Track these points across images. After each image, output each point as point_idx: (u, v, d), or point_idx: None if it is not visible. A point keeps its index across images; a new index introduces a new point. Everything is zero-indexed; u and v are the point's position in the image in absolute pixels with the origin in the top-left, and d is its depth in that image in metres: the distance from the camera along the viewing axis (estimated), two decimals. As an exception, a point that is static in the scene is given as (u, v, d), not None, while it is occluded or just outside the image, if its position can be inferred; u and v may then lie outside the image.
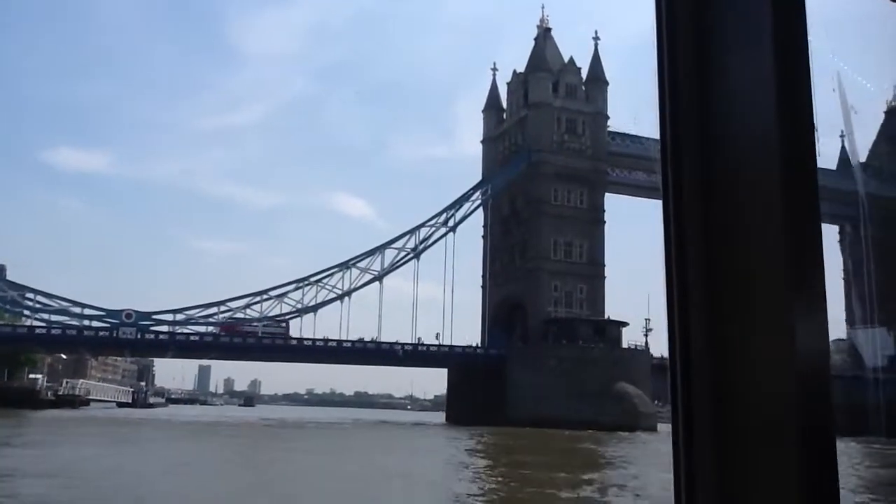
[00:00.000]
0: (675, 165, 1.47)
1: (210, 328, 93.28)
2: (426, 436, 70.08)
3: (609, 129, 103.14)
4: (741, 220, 1.38)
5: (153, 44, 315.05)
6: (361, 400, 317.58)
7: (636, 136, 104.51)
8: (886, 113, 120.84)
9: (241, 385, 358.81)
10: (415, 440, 62.54)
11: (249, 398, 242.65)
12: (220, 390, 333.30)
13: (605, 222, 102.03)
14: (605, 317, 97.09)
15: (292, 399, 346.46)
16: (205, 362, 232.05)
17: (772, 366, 1.30)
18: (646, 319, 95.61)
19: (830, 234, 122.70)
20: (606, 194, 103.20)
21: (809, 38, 1.40)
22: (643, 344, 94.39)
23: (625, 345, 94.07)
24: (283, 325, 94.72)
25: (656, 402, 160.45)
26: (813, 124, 1.37)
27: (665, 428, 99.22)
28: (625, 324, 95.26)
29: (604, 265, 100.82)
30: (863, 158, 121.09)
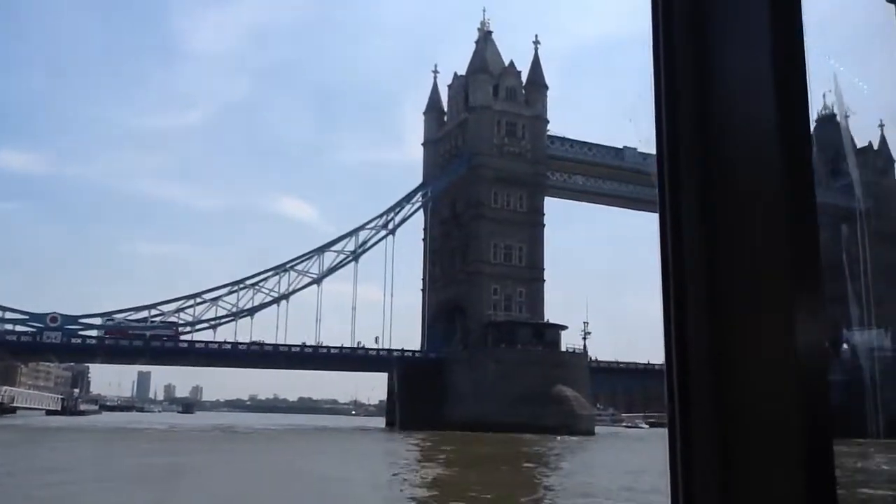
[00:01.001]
0: (672, 165, 1.48)
1: (95, 332, 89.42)
2: (353, 440, 68.93)
3: (549, 132, 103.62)
4: (739, 220, 1.38)
5: (89, 39, 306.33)
6: (306, 405, 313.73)
7: (575, 140, 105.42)
8: (817, 121, 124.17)
9: (182, 392, 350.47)
10: (342, 445, 61.47)
11: (189, 405, 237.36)
12: (161, 397, 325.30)
13: (544, 226, 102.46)
14: (545, 320, 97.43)
15: (235, 405, 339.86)
16: (144, 368, 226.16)
17: (770, 366, 1.30)
18: (584, 323, 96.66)
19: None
20: (546, 198, 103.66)
21: (805, 39, 1.40)
22: (581, 347, 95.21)
23: (563, 348, 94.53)
24: (174, 328, 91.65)
25: (598, 406, 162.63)
26: (809, 125, 1.37)
27: (603, 430, 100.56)
28: (564, 327, 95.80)
29: (543, 268, 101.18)
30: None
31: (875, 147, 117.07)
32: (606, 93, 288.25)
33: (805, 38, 1.40)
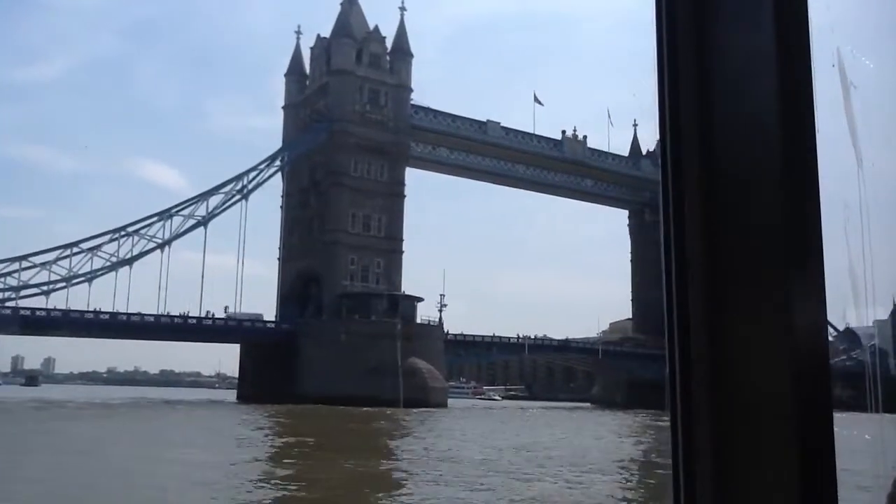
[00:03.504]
0: (674, 147, 1.46)
1: None
2: (186, 414, 65.20)
3: (413, 102, 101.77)
4: (742, 202, 1.37)
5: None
6: (167, 378, 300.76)
7: (439, 111, 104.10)
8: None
9: (33, 363, 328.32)
10: (167, 419, 57.93)
11: (33, 377, 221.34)
12: (7, 369, 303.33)
13: (405, 196, 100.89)
14: (402, 292, 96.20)
15: (90, 378, 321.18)
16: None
17: (771, 355, 1.31)
18: (441, 295, 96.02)
19: (622, 218, 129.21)
20: (408, 168, 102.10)
21: (810, 14, 1.40)
22: (437, 319, 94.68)
23: (419, 320, 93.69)
24: None
25: (461, 379, 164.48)
26: (813, 101, 1.37)
27: (458, 403, 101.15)
28: (420, 299, 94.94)
29: (402, 240, 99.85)
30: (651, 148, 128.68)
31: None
32: (494, 68, 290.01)
33: (809, 14, 1.39)
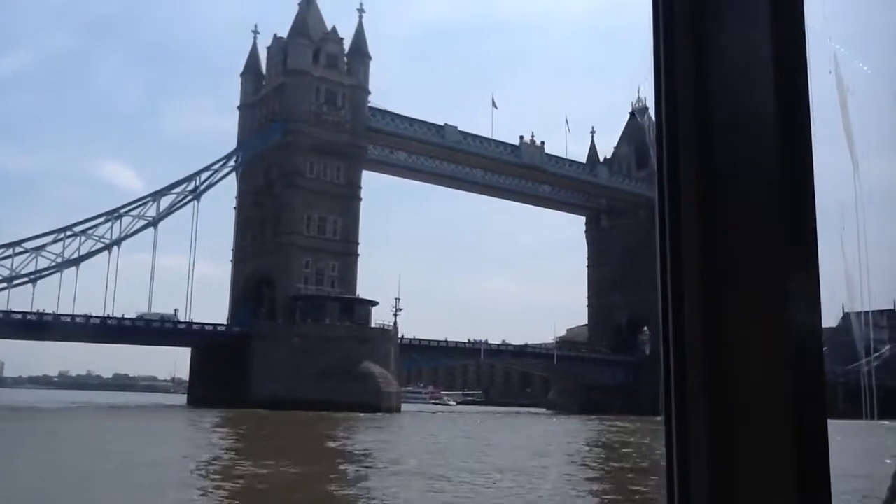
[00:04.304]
0: (671, 150, 1.47)
1: None
2: (129, 419, 63.49)
3: (371, 104, 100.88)
4: (737, 205, 1.38)
5: None
6: (121, 383, 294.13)
7: (397, 114, 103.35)
8: (630, 113, 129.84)
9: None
10: (104, 424, 56.25)
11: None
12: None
13: (361, 199, 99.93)
14: (356, 295, 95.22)
15: (41, 382, 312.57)
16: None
17: (766, 356, 1.32)
18: (396, 299, 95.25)
19: (579, 224, 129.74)
20: (364, 171, 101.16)
21: (806, 19, 1.40)
22: (392, 324, 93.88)
23: (374, 324, 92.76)
24: None
25: (419, 384, 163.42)
26: (809, 106, 1.37)
27: (411, 407, 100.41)
28: (374, 303, 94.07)
29: (358, 243, 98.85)
30: (609, 155, 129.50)
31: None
32: (456, 74, 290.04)
33: (806, 19, 1.39)
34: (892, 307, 61.81)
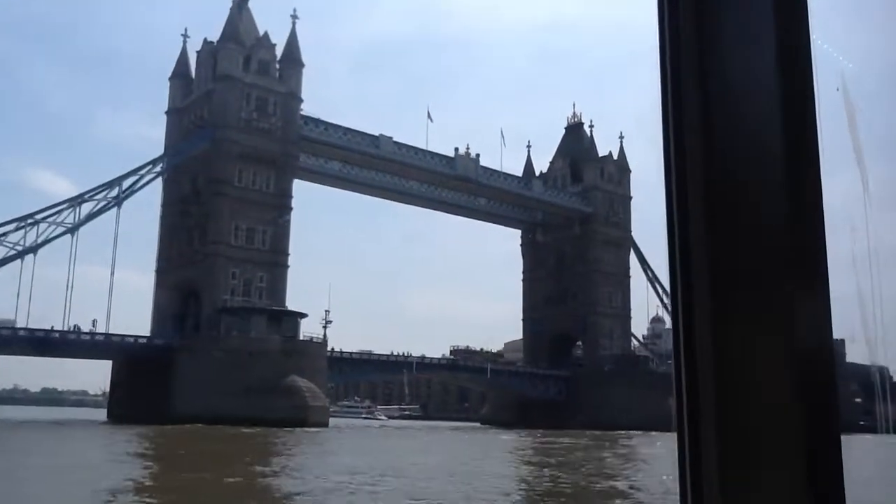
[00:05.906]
0: (678, 165, 1.47)
1: None
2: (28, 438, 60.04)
3: (303, 112, 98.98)
4: (745, 219, 1.39)
5: None
6: (50, 397, 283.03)
7: (330, 123, 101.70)
8: (566, 129, 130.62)
9: None
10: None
11: None
12: None
13: (292, 209, 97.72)
14: (285, 307, 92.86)
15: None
16: None
17: (777, 364, 1.32)
18: (326, 311, 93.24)
19: (515, 237, 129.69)
20: (297, 181, 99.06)
21: (813, 36, 1.41)
22: (321, 336, 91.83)
23: (303, 336, 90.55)
24: None
25: (356, 398, 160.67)
26: (816, 123, 1.37)
27: (342, 422, 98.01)
28: (303, 315, 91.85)
29: (288, 254, 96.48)
30: (544, 170, 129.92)
31: (614, 157, 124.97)
32: (398, 87, 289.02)
33: (812, 36, 1.40)
34: None
